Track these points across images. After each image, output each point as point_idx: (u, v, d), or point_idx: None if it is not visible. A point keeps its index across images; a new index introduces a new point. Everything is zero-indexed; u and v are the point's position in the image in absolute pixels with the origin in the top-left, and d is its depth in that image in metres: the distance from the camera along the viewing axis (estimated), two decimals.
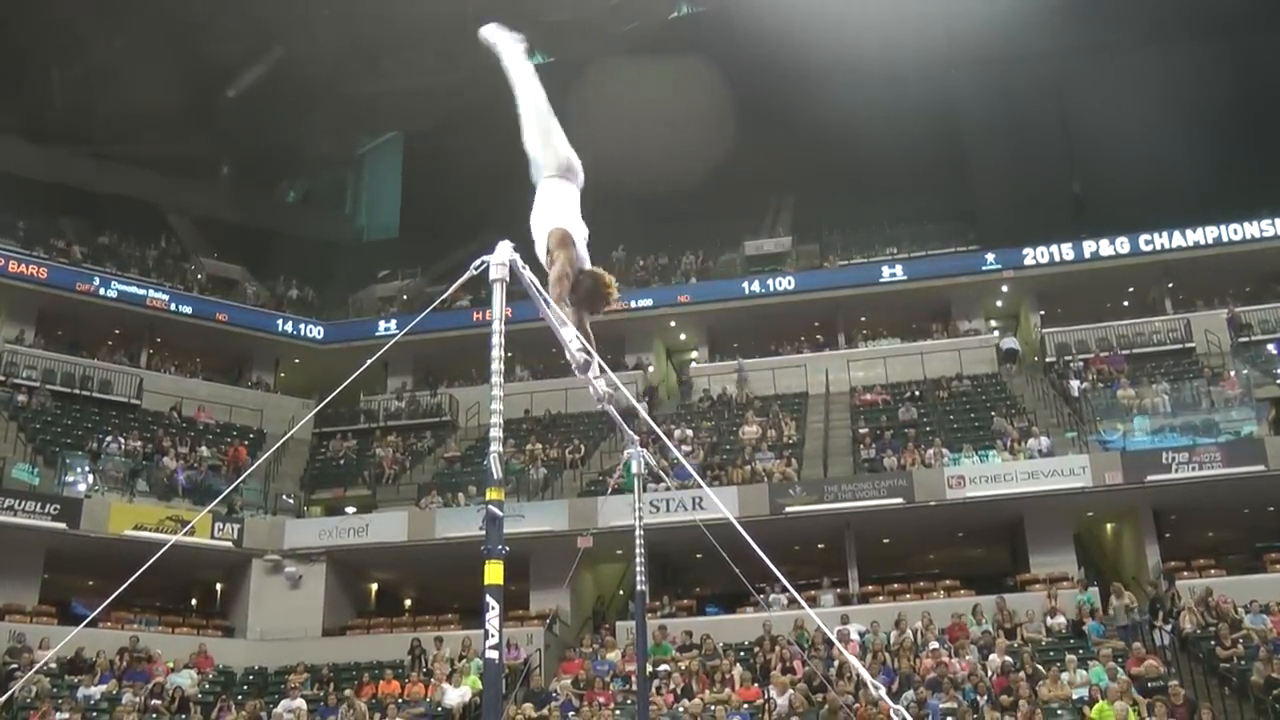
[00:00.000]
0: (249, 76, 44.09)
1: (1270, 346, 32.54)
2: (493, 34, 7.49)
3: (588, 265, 6.83)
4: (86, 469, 29.43)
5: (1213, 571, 25.33)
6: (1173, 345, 34.83)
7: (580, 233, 6.86)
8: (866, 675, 5.40)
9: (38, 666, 20.94)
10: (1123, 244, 36.80)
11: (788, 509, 26.83)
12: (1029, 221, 38.54)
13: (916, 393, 34.29)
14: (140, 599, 28.12)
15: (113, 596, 7.76)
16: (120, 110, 39.40)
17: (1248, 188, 36.26)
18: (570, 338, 6.11)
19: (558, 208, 6.89)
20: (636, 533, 10.07)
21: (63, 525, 26.51)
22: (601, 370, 6.43)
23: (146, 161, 43.75)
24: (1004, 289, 38.34)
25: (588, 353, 6.23)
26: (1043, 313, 38.18)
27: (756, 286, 38.92)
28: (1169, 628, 22.92)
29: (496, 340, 5.28)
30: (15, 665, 23.04)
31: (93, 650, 24.88)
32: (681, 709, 21.17)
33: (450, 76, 42.97)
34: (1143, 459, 26.37)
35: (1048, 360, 35.49)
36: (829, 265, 40.31)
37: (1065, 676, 20.60)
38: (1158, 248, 36.68)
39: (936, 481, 26.87)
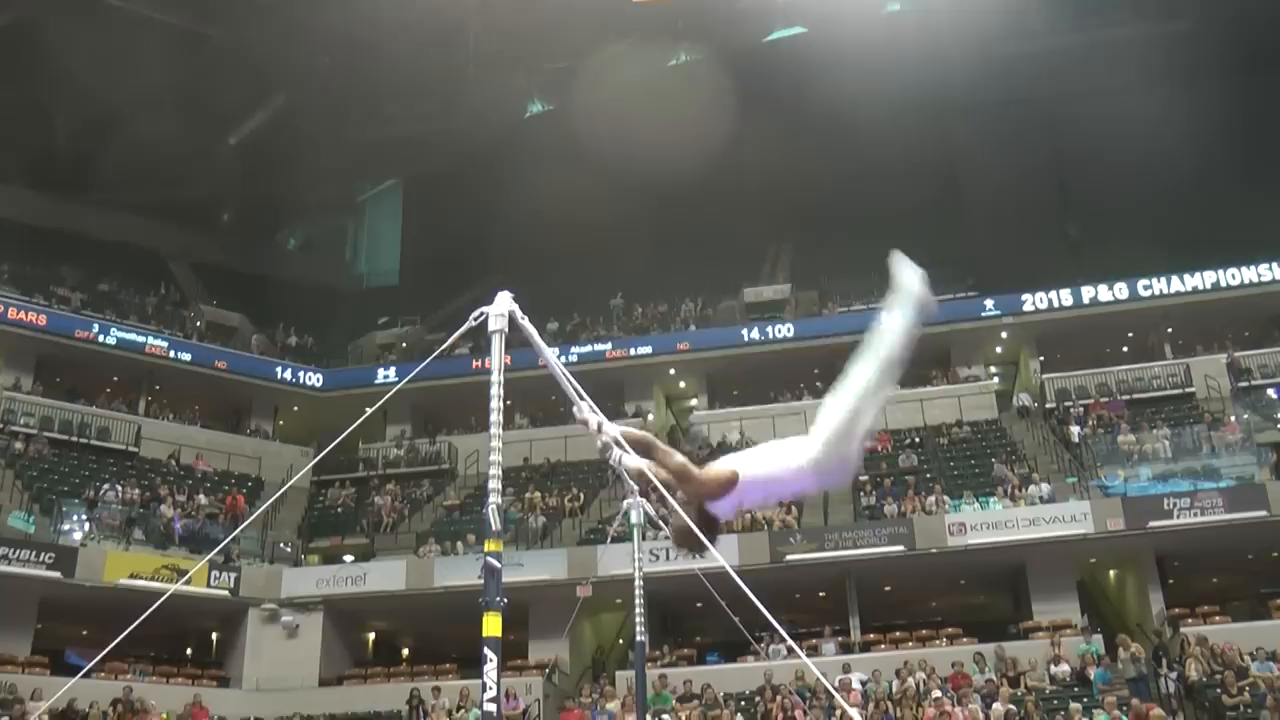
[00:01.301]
0: (250, 124, 44.27)
1: (1271, 391, 32.43)
2: (909, 276, 6.48)
3: (720, 511, 5.74)
4: (83, 517, 29.31)
5: (1217, 618, 25.23)
6: (1173, 390, 34.74)
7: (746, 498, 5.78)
8: None
9: (31, 718, 20.78)
10: (1121, 289, 36.78)
11: (788, 557, 26.76)
12: (1027, 267, 38.57)
13: (916, 439, 34.20)
14: (135, 649, 27.88)
15: (109, 649, 7.68)
16: (121, 157, 39.42)
17: (1246, 232, 36.29)
18: (588, 413, 5.85)
19: (770, 481, 5.76)
20: (636, 581, 10.03)
21: (57, 574, 26.39)
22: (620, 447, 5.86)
23: (147, 208, 43.78)
24: (1003, 335, 38.29)
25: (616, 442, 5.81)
26: (1042, 358, 38.12)
27: (756, 334, 38.86)
28: (1174, 675, 22.74)
29: (496, 391, 5.27)
30: (7, 717, 22.86)
31: (86, 701, 24.57)
32: None
33: (450, 123, 43.16)
34: (1144, 505, 26.32)
35: (1048, 406, 35.41)
36: (828, 312, 40.28)
37: None
38: (1157, 293, 36.65)
39: (938, 529, 26.80)
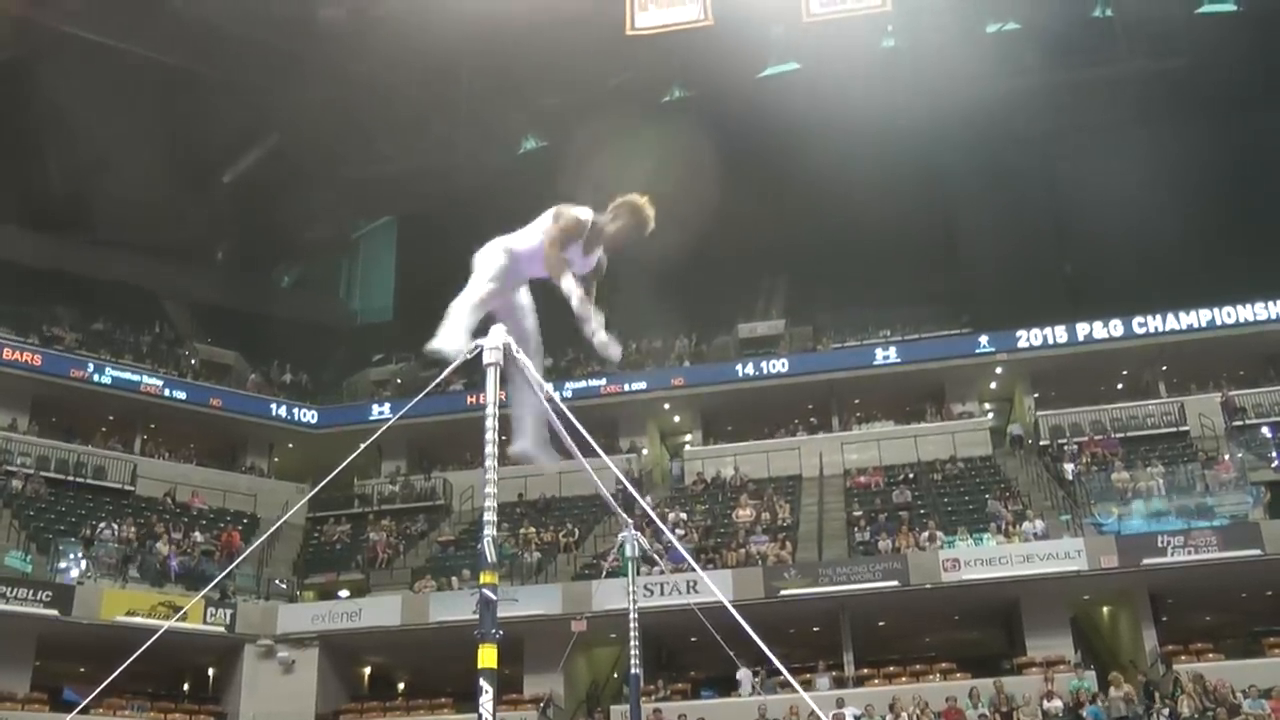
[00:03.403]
0: (244, 162, 44.35)
1: (1265, 430, 32.52)
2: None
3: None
4: (79, 555, 29.28)
5: (1210, 655, 25.29)
6: (1167, 428, 34.82)
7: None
8: None
9: None
10: (1116, 327, 36.85)
11: (782, 592, 26.80)
12: (1022, 304, 38.68)
13: (910, 475, 34.23)
14: (132, 685, 27.81)
15: (104, 684, 7.72)
16: (116, 197, 39.51)
17: (1241, 270, 36.37)
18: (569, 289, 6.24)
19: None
20: (631, 616, 10.06)
21: (55, 612, 26.42)
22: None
23: (141, 247, 43.81)
24: (998, 371, 38.37)
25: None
26: (1036, 395, 38.20)
27: (750, 369, 38.91)
28: (1166, 713, 22.75)
29: (490, 424, 5.33)
30: None
31: None
32: None
33: (445, 160, 43.22)
34: (1138, 542, 26.38)
35: (1042, 443, 35.45)
36: (822, 348, 40.36)
37: None
38: (1151, 330, 36.73)
39: (931, 564, 26.84)
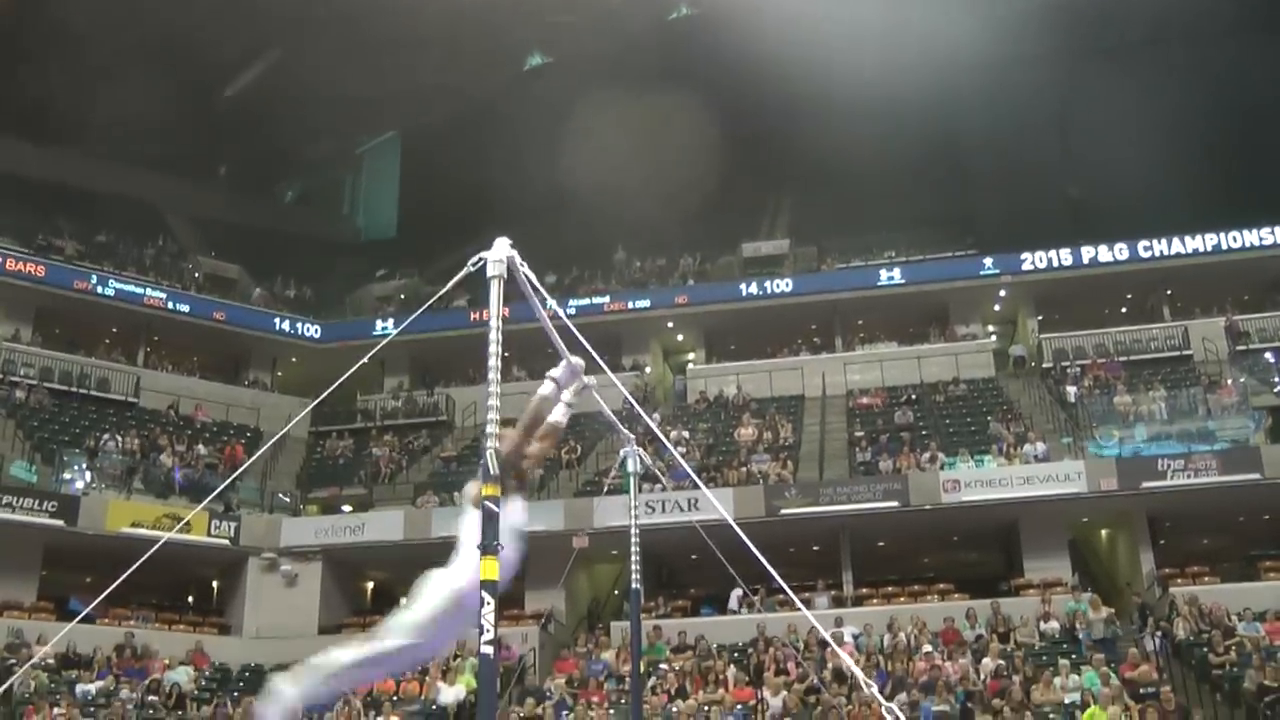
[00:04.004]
0: (247, 77, 44.11)
1: (1268, 355, 32.49)
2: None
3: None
4: (84, 467, 29.41)
5: (1207, 579, 25.37)
6: (1170, 353, 34.83)
7: None
8: (860, 675, 5.45)
9: (33, 661, 21.00)
10: (1121, 250, 36.75)
11: (783, 511, 26.87)
12: (1027, 226, 38.59)
13: (913, 396, 34.26)
14: (137, 596, 28.13)
15: (107, 591, 7.79)
16: (119, 110, 39.31)
17: (1247, 195, 36.23)
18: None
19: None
20: (632, 533, 10.11)
21: (60, 522, 26.56)
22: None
23: (144, 161, 43.71)
24: (1002, 294, 38.27)
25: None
26: (1040, 318, 38.18)
27: (754, 289, 38.82)
28: (1159, 635, 22.91)
29: (494, 338, 5.31)
30: (13, 661, 23.04)
31: (89, 646, 24.94)
32: (675, 709, 21.20)
33: (449, 77, 42.99)
34: (1138, 466, 26.42)
35: (1045, 366, 35.47)
36: (826, 268, 40.26)
37: (1058, 681, 20.65)
38: (1156, 255, 36.64)
39: (932, 485, 26.90)
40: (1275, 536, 28.08)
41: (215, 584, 31.63)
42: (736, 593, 25.81)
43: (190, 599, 32.31)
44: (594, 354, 6.61)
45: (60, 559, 27.47)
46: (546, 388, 6.58)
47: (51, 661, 24.08)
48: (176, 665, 25.53)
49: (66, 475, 28.98)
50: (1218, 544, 29.26)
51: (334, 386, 7.91)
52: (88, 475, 29.19)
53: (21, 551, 26.74)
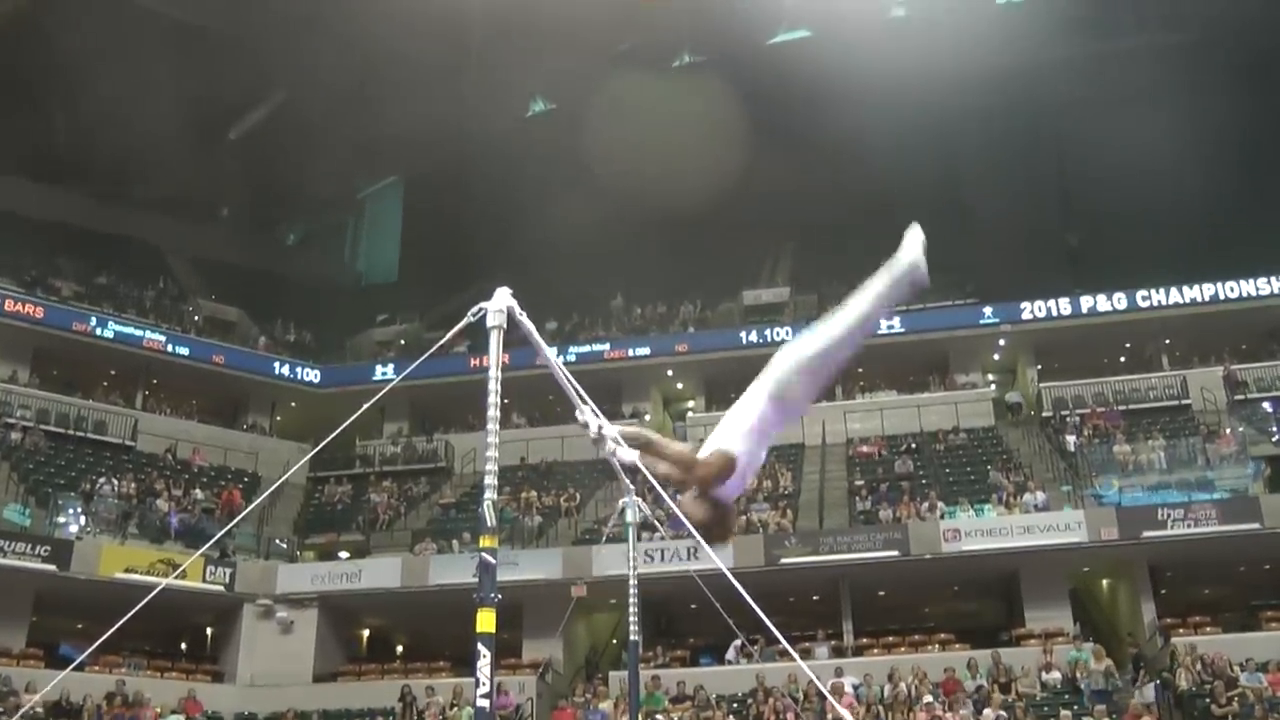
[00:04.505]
0: (251, 118, 44.23)
1: (1266, 404, 32.46)
2: (914, 242, 6.65)
3: (728, 493, 6.04)
4: (79, 510, 29.29)
5: (1208, 628, 25.31)
6: (1169, 402, 34.79)
7: (741, 481, 6.06)
8: None
9: (23, 710, 20.79)
10: (1120, 300, 36.83)
11: (783, 560, 26.79)
12: (1027, 275, 38.63)
13: (913, 445, 34.22)
14: (129, 642, 27.86)
15: (101, 640, 7.69)
16: (122, 150, 39.40)
17: (1245, 245, 36.31)
18: (589, 415, 5.92)
19: (752, 442, 5.99)
20: (630, 582, 10.05)
21: (53, 567, 26.38)
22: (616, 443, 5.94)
23: (146, 202, 43.80)
24: (1001, 343, 38.29)
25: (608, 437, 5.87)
26: (1040, 367, 38.20)
27: (754, 336, 38.79)
28: (1154, 685, 22.79)
29: (493, 387, 5.28)
30: (1, 709, 22.87)
31: (80, 694, 24.66)
32: None
33: (452, 121, 43.09)
34: (1138, 515, 26.37)
35: (1044, 415, 35.42)
36: (827, 316, 40.16)
37: None
38: (1155, 304, 36.72)
39: (932, 534, 26.82)
40: (1276, 586, 28.03)
41: (209, 630, 31.43)
42: (736, 644, 25.68)
43: (183, 646, 32.09)
44: (593, 405, 6.51)
45: (51, 604, 27.34)
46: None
47: (40, 710, 23.86)
48: (169, 714, 25.31)
49: (61, 519, 28.86)
50: (1219, 594, 29.18)
51: (335, 434, 7.83)
52: (82, 519, 29.07)
53: (12, 596, 26.55)
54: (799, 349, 6.41)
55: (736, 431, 5.95)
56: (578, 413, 6.01)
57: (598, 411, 5.96)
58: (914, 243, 6.49)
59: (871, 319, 6.59)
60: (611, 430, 5.84)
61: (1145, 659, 24.49)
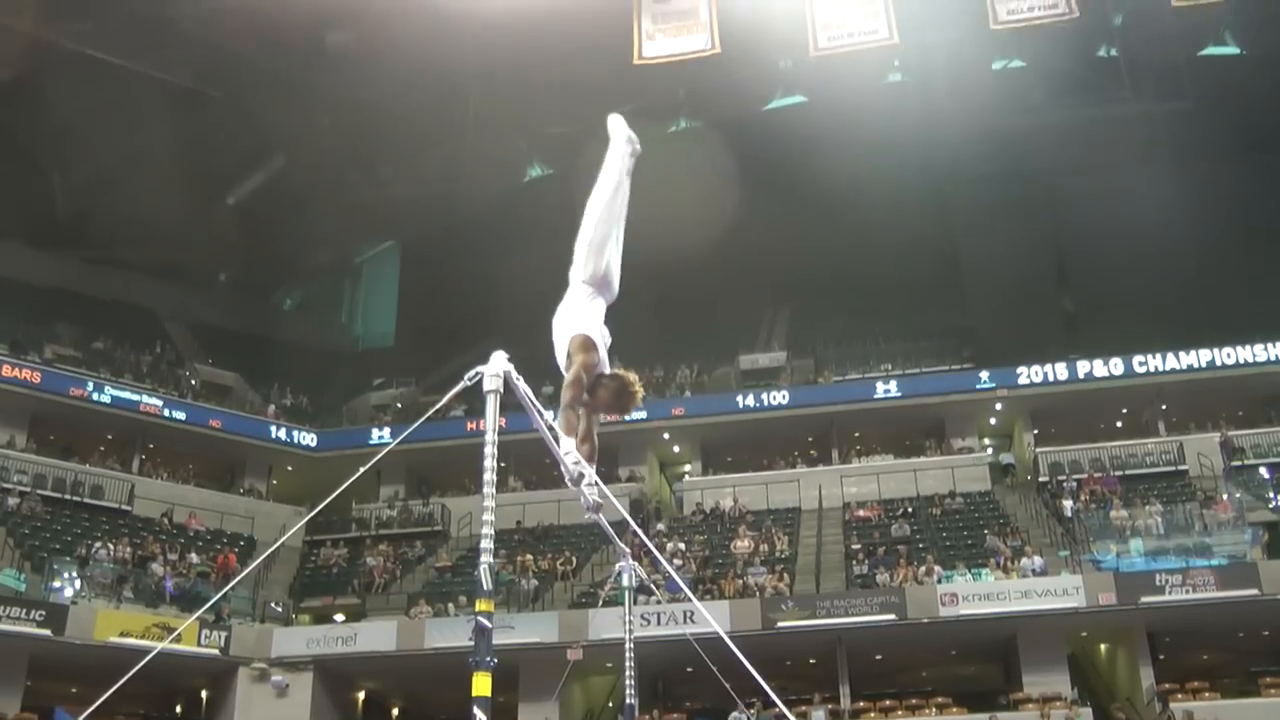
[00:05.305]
0: (249, 184, 44.37)
1: (1263, 470, 32.47)
2: (616, 126, 7.68)
3: (608, 370, 6.92)
4: (74, 575, 29.21)
5: (1207, 694, 25.21)
6: (1166, 467, 34.80)
7: (603, 340, 6.97)
8: None
9: None
10: (1116, 365, 36.89)
11: (780, 624, 26.74)
12: (1023, 340, 38.70)
13: (910, 509, 34.19)
14: (124, 706, 27.72)
15: (96, 704, 7.66)
16: (119, 216, 39.48)
17: (1242, 312, 36.41)
18: (566, 450, 6.16)
19: (583, 314, 7.03)
20: (627, 645, 10.02)
21: (47, 632, 26.31)
22: (595, 483, 6.32)
23: (144, 267, 43.85)
24: (998, 407, 38.34)
25: (582, 466, 6.22)
26: (1036, 432, 38.21)
27: (751, 401, 38.87)
28: None
29: (490, 451, 5.31)
30: None
31: None
32: None
33: (449, 187, 43.27)
34: (1136, 580, 26.37)
35: (1041, 480, 35.41)
36: (823, 381, 40.34)
37: None
38: (1151, 370, 36.78)
39: (929, 599, 26.79)
40: (1275, 652, 27.98)
41: (204, 694, 31.25)
42: (735, 715, 25.51)
43: (178, 709, 31.94)
44: (591, 467, 6.56)
45: (46, 669, 27.19)
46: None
47: None
48: None
49: (56, 584, 28.78)
50: (1218, 659, 29.11)
51: (332, 497, 7.86)
52: (77, 584, 28.99)
53: (6, 661, 26.44)
54: (580, 239, 7.18)
55: (571, 319, 7.05)
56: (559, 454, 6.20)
57: (580, 459, 6.19)
58: (615, 124, 7.68)
59: (620, 191, 7.39)
60: (586, 471, 6.31)
61: None
